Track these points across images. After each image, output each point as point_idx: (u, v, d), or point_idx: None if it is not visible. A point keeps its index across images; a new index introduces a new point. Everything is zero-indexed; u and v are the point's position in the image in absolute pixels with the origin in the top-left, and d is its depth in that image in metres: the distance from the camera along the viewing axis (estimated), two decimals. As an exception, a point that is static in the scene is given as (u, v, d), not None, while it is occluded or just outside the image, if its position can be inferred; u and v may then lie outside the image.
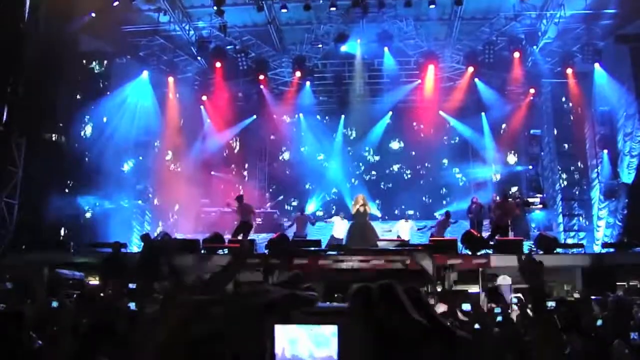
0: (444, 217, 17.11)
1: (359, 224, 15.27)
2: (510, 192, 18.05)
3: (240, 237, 15.49)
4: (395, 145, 24.03)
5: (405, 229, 17.46)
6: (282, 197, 23.21)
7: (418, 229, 17.78)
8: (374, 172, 23.92)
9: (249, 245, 13.79)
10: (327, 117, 24.03)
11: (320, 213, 21.49)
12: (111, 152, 18.33)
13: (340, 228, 16.95)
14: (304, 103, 22.38)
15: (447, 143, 23.48)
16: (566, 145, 21.23)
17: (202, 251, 14.39)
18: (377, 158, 24.11)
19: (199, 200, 20.70)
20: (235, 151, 23.96)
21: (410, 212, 20.96)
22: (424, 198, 22.83)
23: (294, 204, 23.02)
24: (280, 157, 24.46)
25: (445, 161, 23.43)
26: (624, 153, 18.57)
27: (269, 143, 24.11)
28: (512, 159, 22.78)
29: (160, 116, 20.53)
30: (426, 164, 23.54)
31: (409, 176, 23.65)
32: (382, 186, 23.60)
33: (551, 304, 6.49)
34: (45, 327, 6.05)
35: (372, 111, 22.70)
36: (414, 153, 23.66)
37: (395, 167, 23.89)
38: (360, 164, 23.96)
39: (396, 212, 21.98)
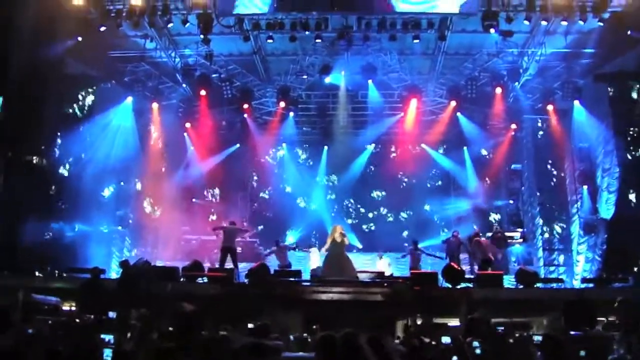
0: (412, 246, 17.31)
1: (336, 254, 15.17)
2: (493, 224, 18.14)
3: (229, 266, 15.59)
4: (376, 192, 23.99)
5: (383, 266, 17.60)
6: (262, 227, 23.11)
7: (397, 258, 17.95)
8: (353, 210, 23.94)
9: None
10: (309, 148, 24.11)
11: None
12: (92, 177, 18.18)
13: (315, 259, 16.96)
14: (287, 133, 22.49)
15: (428, 177, 23.61)
16: (547, 181, 21.44)
17: (182, 279, 14.22)
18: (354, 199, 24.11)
19: (179, 228, 20.53)
20: (218, 179, 23.82)
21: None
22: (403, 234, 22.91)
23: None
24: (262, 191, 24.31)
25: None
26: (602, 189, 18.82)
27: (251, 172, 24.07)
28: (492, 192, 22.93)
29: (142, 142, 20.50)
30: (407, 199, 23.58)
31: (390, 218, 23.69)
32: (364, 227, 23.52)
33: (537, 338, 6.48)
34: (19, 355, 5.89)
35: (355, 143, 22.84)
36: (394, 191, 23.70)
37: (377, 209, 23.89)
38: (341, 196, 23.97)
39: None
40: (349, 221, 22.90)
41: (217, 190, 23.54)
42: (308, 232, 22.21)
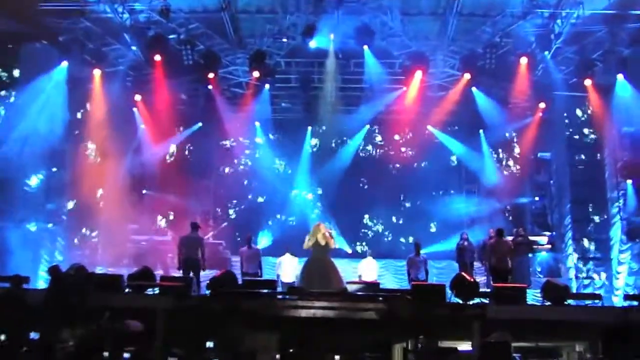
0: (413, 252, 17.29)
1: (318, 261, 14.94)
2: (515, 230, 18.11)
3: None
4: (371, 184, 24.12)
5: (369, 269, 17.59)
6: (225, 223, 23.05)
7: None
8: (343, 200, 23.88)
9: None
10: (290, 128, 24.10)
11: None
12: (13, 162, 17.98)
13: (289, 269, 16.86)
14: (262, 110, 22.36)
15: (436, 167, 23.66)
16: (581, 173, 21.42)
17: (127, 290, 14.04)
18: (349, 184, 24.08)
19: (125, 226, 20.38)
20: (175, 166, 23.67)
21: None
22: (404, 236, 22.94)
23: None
24: (231, 180, 24.34)
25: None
26: (652, 184, 18.86)
27: (217, 157, 24.02)
28: (514, 187, 22.99)
29: (80, 119, 20.32)
30: (410, 193, 23.68)
31: (389, 207, 23.68)
32: (353, 217, 23.60)
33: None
34: None
35: (346, 123, 22.80)
36: (395, 177, 23.82)
37: (372, 205, 23.92)
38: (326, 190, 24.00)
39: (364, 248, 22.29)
40: (337, 219, 22.78)
41: (174, 180, 23.33)
42: (286, 234, 22.20)
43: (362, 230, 23.77)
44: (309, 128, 23.51)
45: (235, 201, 24.11)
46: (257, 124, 23.54)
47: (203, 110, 22.22)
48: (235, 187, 24.13)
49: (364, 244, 23.21)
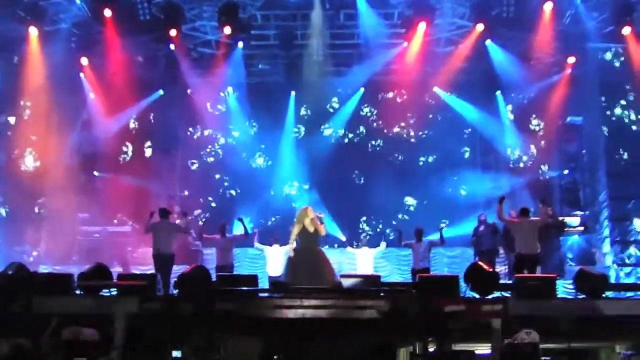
0: (414, 237, 17.38)
1: (306, 251, 14.93)
2: (541, 209, 18.20)
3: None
4: (368, 161, 24.33)
5: (366, 259, 17.67)
6: (200, 211, 23.01)
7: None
8: (335, 178, 23.98)
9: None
10: (269, 94, 23.99)
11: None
12: None
13: (277, 261, 16.86)
14: (236, 72, 22.35)
15: (444, 137, 23.79)
16: (618, 141, 21.44)
17: (78, 292, 14.02)
18: (340, 156, 24.20)
19: (74, 215, 20.37)
20: (133, 142, 23.61)
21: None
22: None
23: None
24: (200, 153, 24.39)
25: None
26: None
27: (182, 131, 24.04)
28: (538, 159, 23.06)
29: (13, 87, 20.29)
30: (413, 169, 23.82)
31: (388, 186, 23.68)
32: (346, 198, 23.67)
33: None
34: None
35: (336, 87, 22.87)
36: (394, 151, 23.93)
37: (370, 184, 23.98)
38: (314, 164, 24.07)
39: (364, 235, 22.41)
40: (329, 201, 22.76)
41: (132, 158, 23.43)
42: (269, 221, 22.44)
43: (360, 215, 23.85)
44: (292, 94, 23.44)
45: (206, 183, 24.17)
46: (230, 90, 23.59)
47: (164, 74, 22.20)
48: (206, 167, 24.18)
49: (365, 228, 23.35)
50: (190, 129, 24.35)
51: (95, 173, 22.35)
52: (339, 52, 22.29)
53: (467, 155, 24.01)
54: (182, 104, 23.27)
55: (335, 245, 20.67)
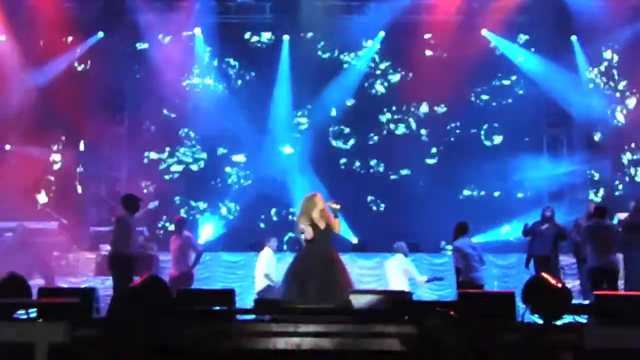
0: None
1: (315, 252, 14.86)
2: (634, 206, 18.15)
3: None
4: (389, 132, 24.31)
5: (395, 271, 17.64)
6: (155, 202, 23.01)
7: (427, 281, 17.95)
8: (345, 156, 24.10)
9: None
10: (254, 39, 24.19)
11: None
12: None
13: (269, 270, 16.90)
14: (204, 10, 22.56)
15: (496, 97, 23.94)
16: None
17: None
18: (350, 130, 24.32)
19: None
20: (62, 104, 23.54)
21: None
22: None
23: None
24: (153, 124, 24.32)
25: (496, 140, 23.77)
26: None
27: (131, 89, 24.02)
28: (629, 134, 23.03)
29: None
30: (452, 140, 23.87)
31: (421, 166, 23.81)
32: (360, 184, 23.78)
33: None
34: None
35: (346, 30, 22.94)
36: (428, 116, 23.99)
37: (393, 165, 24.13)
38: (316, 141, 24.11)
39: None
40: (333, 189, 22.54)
41: (60, 126, 23.32)
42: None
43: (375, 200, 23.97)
44: (286, 38, 23.46)
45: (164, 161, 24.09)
46: (197, 32, 23.55)
47: (104, 11, 22.26)
48: (166, 134, 24.20)
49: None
50: (138, 78, 24.14)
51: (7, 146, 22.36)
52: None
53: (525, 124, 23.78)
54: (129, 52, 23.34)
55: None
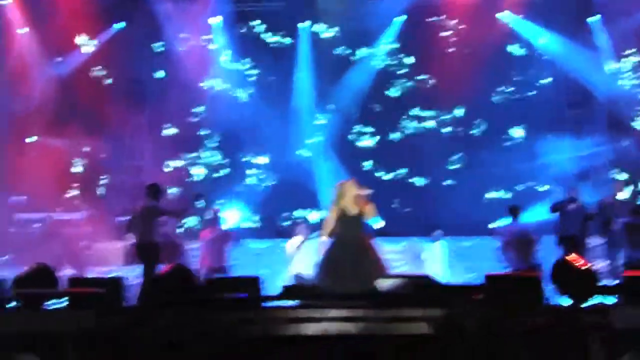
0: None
1: (347, 239, 14.85)
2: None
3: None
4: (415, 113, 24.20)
5: (434, 256, 17.62)
6: (177, 189, 23.11)
7: None
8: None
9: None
10: (272, 24, 24.21)
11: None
12: None
13: (304, 258, 16.88)
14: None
15: (514, 79, 23.90)
16: None
17: (12, 303, 14.12)
18: (377, 110, 24.24)
19: (4, 199, 20.61)
20: (85, 95, 23.58)
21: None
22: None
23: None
24: (181, 114, 24.22)
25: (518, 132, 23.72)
26: None
27: (151, 78, 24.08)
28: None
29: None
30: (476, 124, 23.81)
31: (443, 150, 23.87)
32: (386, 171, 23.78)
33: None
34: None
35: (365, 13, 22.89)
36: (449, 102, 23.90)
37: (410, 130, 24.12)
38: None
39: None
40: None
41: (84, 117, 23.28)
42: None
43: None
44: (305, 25, 23.48)
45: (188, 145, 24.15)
46: (217, 20, 23.59)
47: (123, 0, 22.25)
48: (188, 125, 24.18)
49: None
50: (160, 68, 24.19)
51: (32, 138, 22.41)
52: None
53: (545, 105, 23.71)
54: (151, 40, 23.46)
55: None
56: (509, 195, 22.85)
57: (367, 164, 23.55)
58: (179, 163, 23.89)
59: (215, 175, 23.87)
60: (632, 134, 22.27)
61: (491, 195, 23.02)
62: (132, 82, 23.48)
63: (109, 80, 23.67)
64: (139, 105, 23.55)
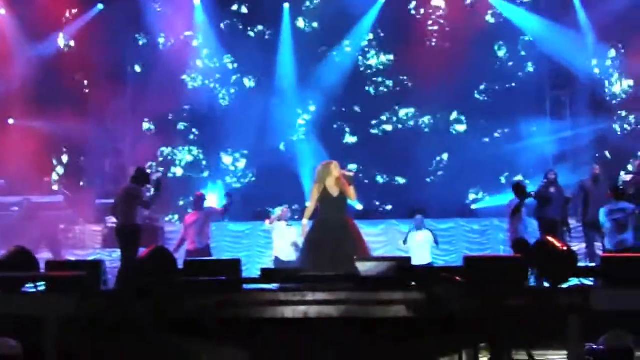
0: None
1: (330, 220, 14.90)
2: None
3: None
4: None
5: (421, 245, 17.81)
6: (161, 170, 23.12)
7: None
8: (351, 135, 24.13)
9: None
10: (254, 8, 24.26)
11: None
12: None
13: (285, 241, 16.93)
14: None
15: (498, 62, 23.97)
16: None
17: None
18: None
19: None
20: (65, 77, 23.58)
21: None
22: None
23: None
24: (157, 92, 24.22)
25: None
26: None
27: (133, 58, 24.26)
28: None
29: None
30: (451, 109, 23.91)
31: (424, 130, 23.89)
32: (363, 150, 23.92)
33: None
34: None
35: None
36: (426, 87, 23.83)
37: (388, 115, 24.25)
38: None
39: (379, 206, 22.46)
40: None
41: (63, 99, 23.24)
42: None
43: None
44: (286, 6, 23.48)
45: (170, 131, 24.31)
46: (197, 2, 23.61)
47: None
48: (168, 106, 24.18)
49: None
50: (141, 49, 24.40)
51: (10, 121, 22.40)
52: None
53: (527, 87, 23.84)
54: (131, 23, 23.52)
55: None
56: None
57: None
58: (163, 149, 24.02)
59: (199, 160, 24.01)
60: (614, 115, 22.31)
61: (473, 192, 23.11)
62: (114, 65, 23.38)
63: (90, 63, 23.48)
64: (120, 87, 23.57)
